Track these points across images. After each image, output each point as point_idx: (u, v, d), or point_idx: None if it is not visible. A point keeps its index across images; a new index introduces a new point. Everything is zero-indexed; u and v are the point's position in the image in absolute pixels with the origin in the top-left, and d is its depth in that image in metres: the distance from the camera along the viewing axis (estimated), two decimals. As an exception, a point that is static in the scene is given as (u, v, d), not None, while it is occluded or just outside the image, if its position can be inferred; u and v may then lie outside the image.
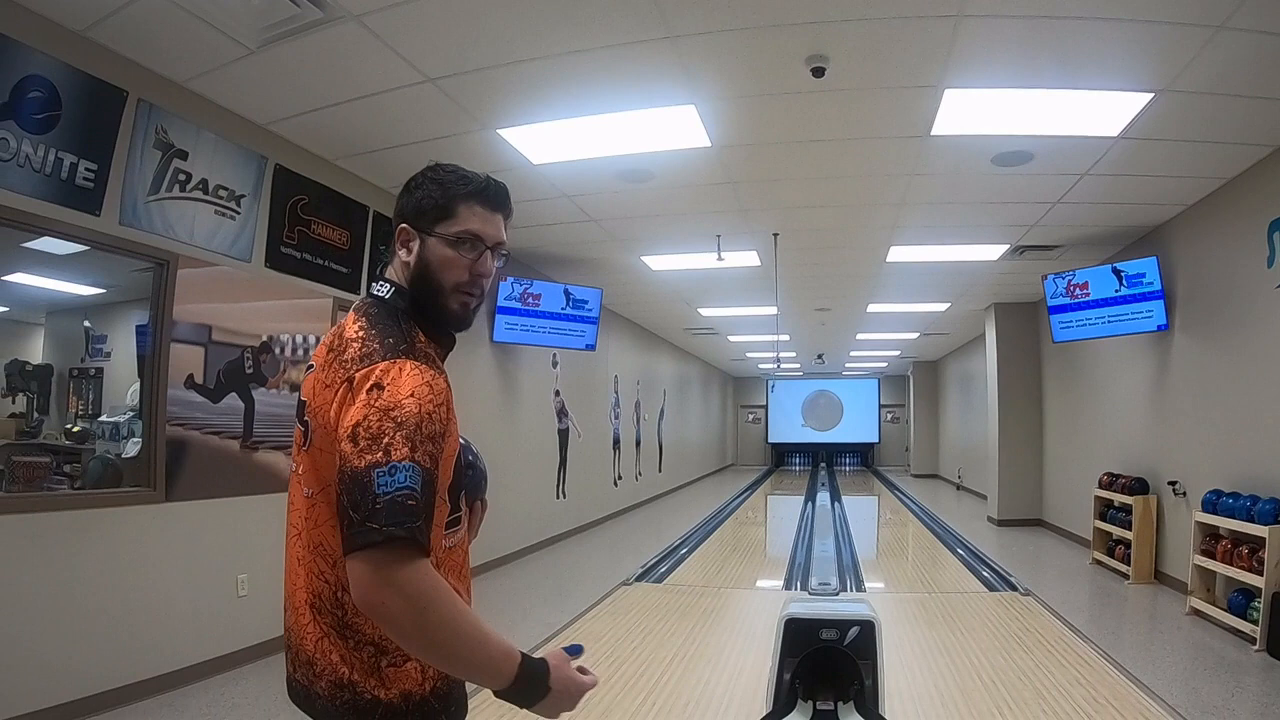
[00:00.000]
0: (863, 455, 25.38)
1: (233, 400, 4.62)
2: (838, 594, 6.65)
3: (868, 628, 3.11)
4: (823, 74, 3.98)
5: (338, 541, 1.21)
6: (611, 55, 3.89)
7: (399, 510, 1.14)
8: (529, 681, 1.26)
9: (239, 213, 4.57)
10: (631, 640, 5.25)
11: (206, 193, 4.35)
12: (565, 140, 4.97)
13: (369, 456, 1.15)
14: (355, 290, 5.56)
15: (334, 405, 1.26)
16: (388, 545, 1.12)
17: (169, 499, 4.18)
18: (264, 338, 4.84)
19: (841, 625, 3.12)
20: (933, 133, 4.78)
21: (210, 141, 4.34)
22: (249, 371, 4.74)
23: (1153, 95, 4.26)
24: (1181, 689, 4.28)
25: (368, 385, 1.22)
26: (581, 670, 1.36)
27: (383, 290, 1.42)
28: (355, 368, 1.26)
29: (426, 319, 1.42)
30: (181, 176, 4.16)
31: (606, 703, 4.10)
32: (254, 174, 4.67)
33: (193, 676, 4.27)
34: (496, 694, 1.25)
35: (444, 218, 1.41)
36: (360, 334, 1.32)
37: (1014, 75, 4.12)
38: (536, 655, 1.30)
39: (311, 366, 1.40)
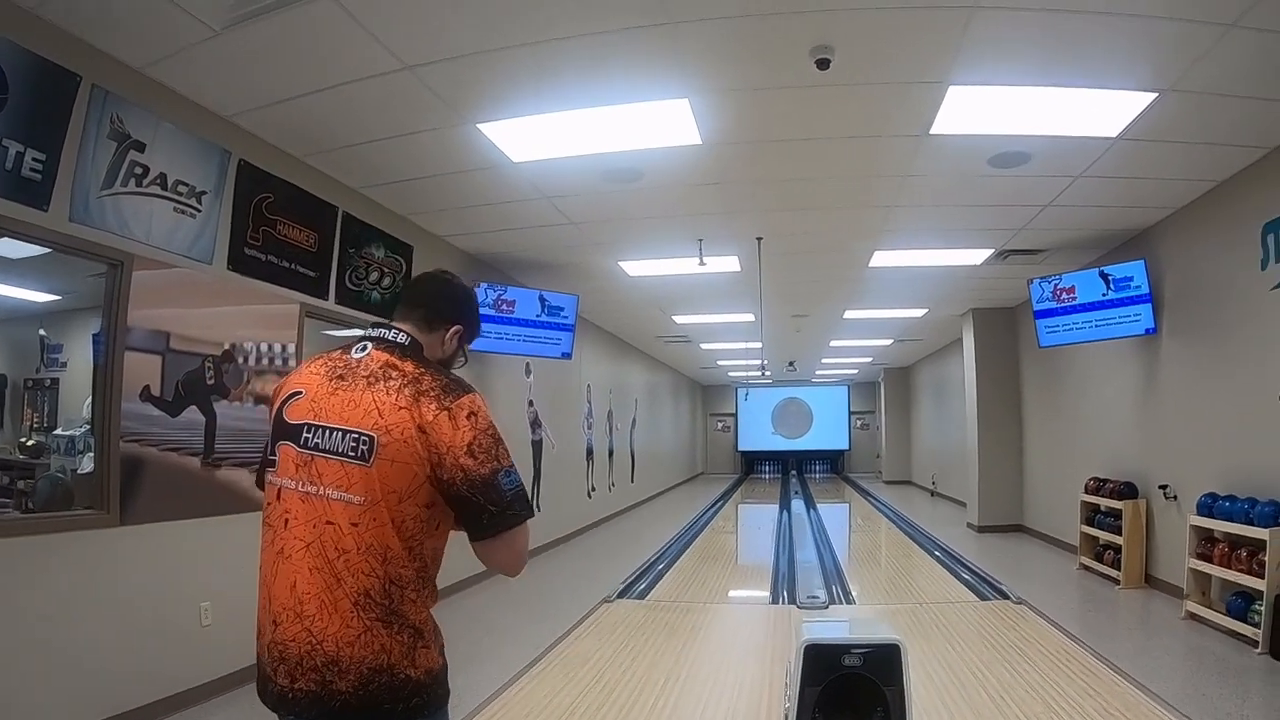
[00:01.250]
0: (833, 462, 25.34)
1: (193, 414, 4.28)
2: (827, 607, 6.44)
3: (893, 651, 2.90)
4: (828, 66, 3.78)
5: (397, 540, 1.56)
6: (604, 43, 3.66)
7: (523, 499, 1.65)
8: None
9: (200, 211, 4.25)
10: (620, 662, 4.99)
11: (165, 188, 4.03)
12: (548, 136, 4.74)
13: (491, 465, 1.60)
14: (323, 295, 5.26)
15: (429, 425, 1.58)
16: (526, 522, 1.65)
17: (124, 522, 3.84)
18: (226, 346, 4.52)
19: (865, 650, 2.90)
20: (932, 131, 4.63)
21: (170, 133, 4.03)
22: (210, 382, 4.40)
23: (1156, 95, 4.16)
24: (1193, 697, 4.15)
25: (465, 413, 1.61)
26: None
27: (404, 339, 1.76)
28: (448, 399, 1.61)
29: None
30: (138, 170, 3.84)
31: (603, 733, 3.85)
32: (216, 169, 4.36)
33: (150, 716, 3.92)
34: None
35: (471, 340, 1.93)
36: (425, 370, 1.67)
37: (1022, 72, 3.98)
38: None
39: (299, 393, 1.67)
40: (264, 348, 4.80)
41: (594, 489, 11.86)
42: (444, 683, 1.68)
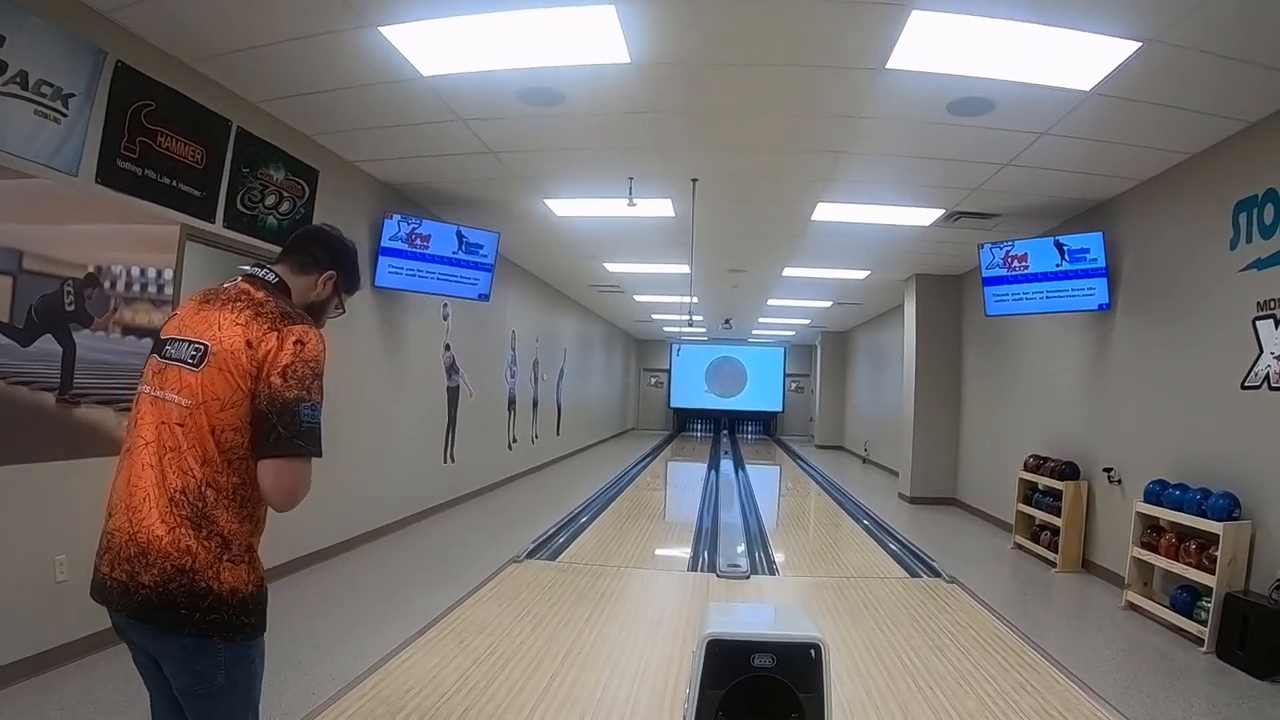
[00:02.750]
0: (765, 424, 25.25)
1: (47, 344, 3.69)
2: (748, 577, 6.10)
3: (811, 652, 2.49)
4: (777, -31, 3.28)
5: (213, 445, 1.68)
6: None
7: (315, 437, 1.75)
8: None
9: (66, 115, 3.61)
10: (520, 631, 4.57)
11: (25, 88, 3.40)
12: (458, 45, 4.15)
13: (297, 391, 1.70)
14: (209, 217, 4.63)
15: (255, 342, 1.71)
16: (307, 460, 1.73)
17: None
18: (91, 269, 3.90)
19: (779, 649, 2.49)
20: (889, 66, 4.16)
21: (37, 29, 3.40)
22: (70, 309, 3.79)
23: (1140, 45, 3.77)
24: (1135, 696, 3.90)
25: (293, 339, 1.74)
26: None
27: (272, 278, 1.89)
28: (282, 323, 1.75)
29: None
30: (-8, 65, 3.19)
31: (486, 715, 3.42)
32: (88, 70, 3.70)
33: (-16, 684, 3.39)
34: None
35: (349, 293, 2.08)
36: (271, 299, 1.83)
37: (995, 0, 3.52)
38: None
39: (175, 315, 1.86)
40: (136, 272, 4.18)
41: (515, 440, 11.37)
42: (251, 611, 1.73)
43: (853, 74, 4.32)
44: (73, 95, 3.64)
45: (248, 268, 1.91)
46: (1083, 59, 3.99)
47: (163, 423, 1.71)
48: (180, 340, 1.77)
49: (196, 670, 1.68)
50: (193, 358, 1.72)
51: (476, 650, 4.22)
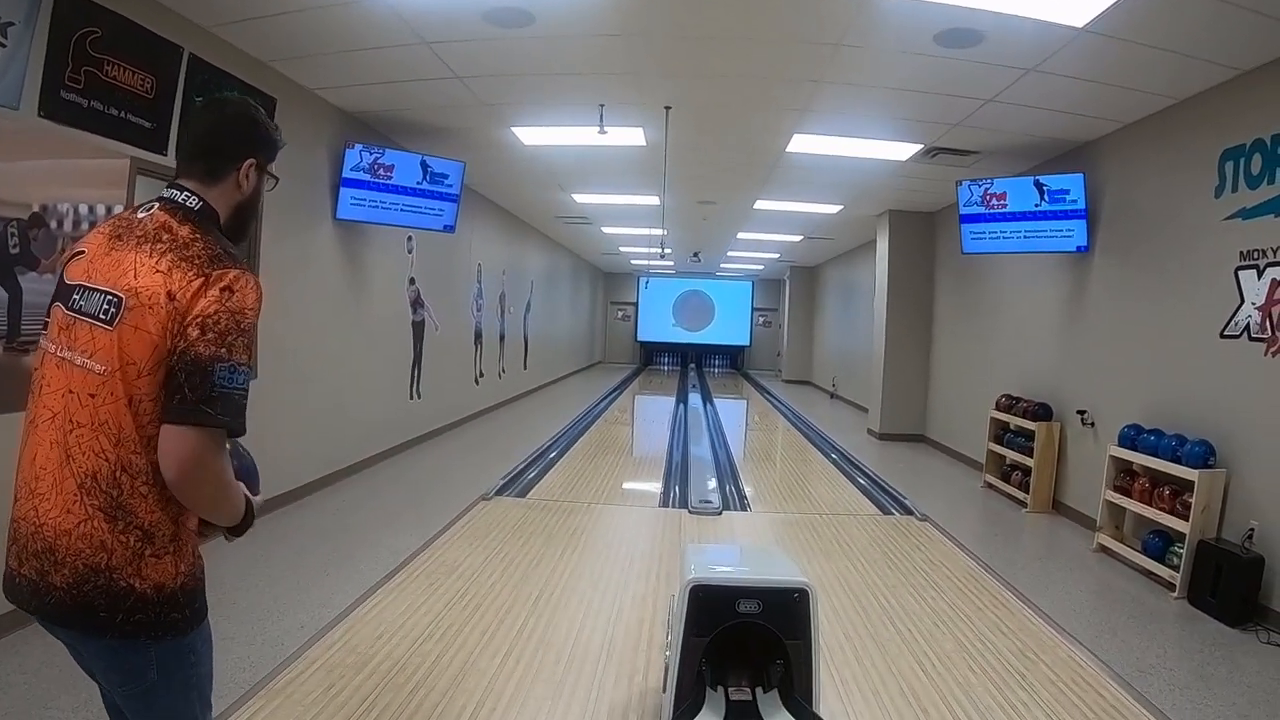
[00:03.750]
0: (733, 358, 25.28)
1: None
2: (720, 513, 6.10)
3: (799, 598, 2.44)
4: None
5: (130, 420, 1.40)
6: None
7: (233, 405, 1.42)
8: (248, 517, 1.58)
9: (4, 44, 3.31)
10: (490, 573, 4.51)
11: None
12: (424, -43, 3.88)
13: (213, 349, 1.39)
14: (161, 149, 4.34)
15: (178, 292, 1.41)
16: (216, 431, 1.41)
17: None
18: (35, 208, 3.63)
19: (764, 595, 2.43)
20: (876, -11, 3.97)
21: None
22: (14, 251, 3.52)
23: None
24: (1107, 638, 3.96)
25: (222, 284, 1.44)
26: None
27: (193, 203, 1.57)
28: (210, 267, 1.45)
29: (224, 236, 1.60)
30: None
31: (460, 662, 3.37)
32: None
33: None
34: (226, 533, 1.57)
35: (273, 159, 1.72)
36: (199, 236, 1.51)
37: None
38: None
39: (82, 253, 1.54)
40: (84, 210, 3.90)
41: (482, 374, 11.22)
42: (182, 606, 1.50)
43: (839, -1, 4.12)
44: (11, 24, 3.34)
45: (165, 191, 1.60)
46: (1078, -9, 3.84)
47: (70, 391, 1.43)
48: (90, 289, 1.47)
49: (124, 669, 1.49)
50: (105, 313, 1.43)
51: (447, 593, 4.16)
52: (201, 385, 1.38)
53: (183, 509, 1.47)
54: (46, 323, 1.54)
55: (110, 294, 1.44)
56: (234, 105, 1.71)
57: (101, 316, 1.44)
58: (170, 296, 1.41)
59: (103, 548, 1.40)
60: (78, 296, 1.48)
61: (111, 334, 1.41)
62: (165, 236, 1.49)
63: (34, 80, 3.51)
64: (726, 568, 2.64)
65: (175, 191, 1.58)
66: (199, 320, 1.40)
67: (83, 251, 1.54)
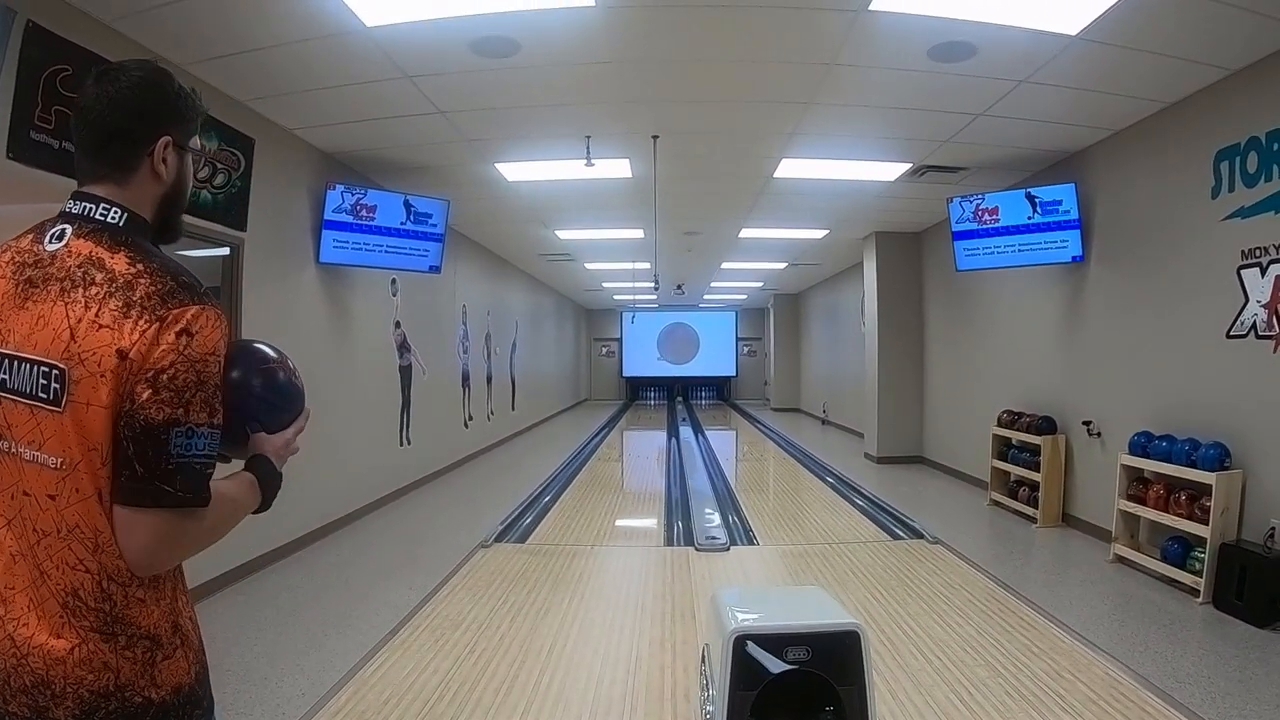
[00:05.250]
0: (719, 389, 25.15)
1: None
2: (728, 548, 5.90)
3: (850, 640, 2.26)
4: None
5: (105, 519, 1.14)
6: None
7: (193, 476, 1.15)
8: (268, 484, 1.39)
9: None
10: (497, 625, 4.29)
11: None
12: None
13: (168, 410, 1.13)
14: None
15: (131, 346, 1.13)
16: (180, 509, 1.14)
17: None
18: None
19: (813, 640, 2.26)
20: (871, 8, 3.88)
21: None
22: None
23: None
24: (1142, 652, 3.81)
25: (177, 328, 1.15)
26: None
27: (115, 216, 1.25)
28: (165, 307, 1.15)
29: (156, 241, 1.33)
30: None
31: (478, 718, 3.14)
32: None
33: None
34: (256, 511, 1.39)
35: (194, 132, 1.39)
36: (141, 267, 1.19)
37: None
38: (249, 460, 1.38)
39: None
40: None
41: (471, 418, 11.01)
42: (200, 699, 1.27)
43: (833, 17, 4.03)
44: (-26, 61, 3.19)
45: (73, 206, 1.27)
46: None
47: (24, 493, 1.16)
48: (13, 357, 1.17)
49: None
50: (46, 390, 1.14)
51: (455, 649, 3.94)
52: (156, 457, 1.11)
53: (177, 586, 1.26)
54: None
55: (45, 365, 1.14)
56: (130, 71, 1.29)
57: (42, 395, 1.15)
58: (122, 355, 1.12)
59: (106, 668, 1.16)
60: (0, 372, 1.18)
61: (61, 417, 1.13)
62: (97, 276, 1.17)
63: (2, 120, 3.34)
64: (768, 614, 2.46)
65: (88, 205, 1.25)
66: (150, 376, 1.12)
67: None
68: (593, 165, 6.20)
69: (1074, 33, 4.08)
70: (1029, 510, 6.68)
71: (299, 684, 3.52)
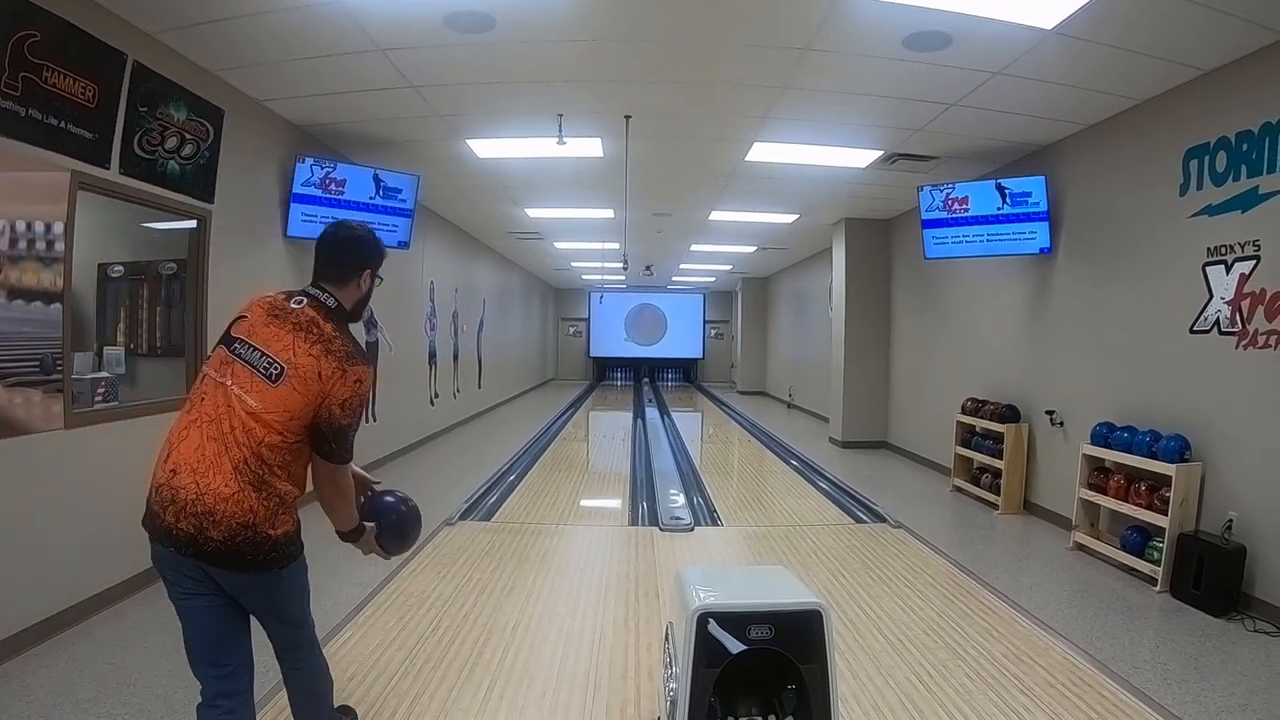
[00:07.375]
0: (686, 371, 25.23)
1: None
2: (692, 529, 5.95)
3: (812, 619, 2.30)
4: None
5: (277, 435, 2.08)
6: None
7: (349, 450, 2.25)
8: (352, 533, 2.46)
9: None
10: (462, 603, 4.30)
11: None
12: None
13: (349, 420, 2.18)
14: (103, 163, 4.07)
15: (325, 376, 2.13)
16: (342, 464, 2.25)
17: None
18: None
19: (776, 619, 2.30)
20: (849, -8, 3.90)
21: None
22: None
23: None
24: (1101, 638, 3.93)
25: (353, 379, 2.17)
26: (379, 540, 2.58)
27: (332, 303, 2.29)
28: (347, 363, 2.16)
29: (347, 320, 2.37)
30: None
31: (441, 700, 3.18)
32: None
33: None
34: (340, 534, 2.46)
35: (381, 265, 2.45)
36: (338, 334, 2.21)
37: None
38: (367, 524, 2.51)
39: (244, 316, 2.23)
40: (22, 227, 3.62)
41: (437, 395, 10.95)
42: (296, 541, 2.20)
43: (809, 2, 4.04)
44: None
45: (311, 289, 2.29)
46: (1051, -9, 3.82)
47: (230, 408, 2.06)
48: (252, 346, 2.13)
49: (268, 589, 2.16)
50: (269, 372, 2.09)
51: (420, 626, 3.95)
52: (343, 443, 2.20)
53: (298, 486, 2.16)
54: (209, 356, 2.20)
55: (274, 361, 2.11)
56: (358, 230, 2.42)
57: (266, 373, 2.10)
58: (319, 376, 2.12)
59: (250, 510, 2.02)
60: (239, 347, 2.15)
61: (276, 390, 2.09)
62: (315, 330, 2.17)
63: (-35, 88, 3.26)
64: (731, 592, 2.49)
65: (319, 292, 2.29)
66: (342, 403, 2.14)
67: (245, 316, 2.22)
68: (564, 144, 6.18)
69: (1050, 27, 4.13)
70: (991, 497, 6.81)
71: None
